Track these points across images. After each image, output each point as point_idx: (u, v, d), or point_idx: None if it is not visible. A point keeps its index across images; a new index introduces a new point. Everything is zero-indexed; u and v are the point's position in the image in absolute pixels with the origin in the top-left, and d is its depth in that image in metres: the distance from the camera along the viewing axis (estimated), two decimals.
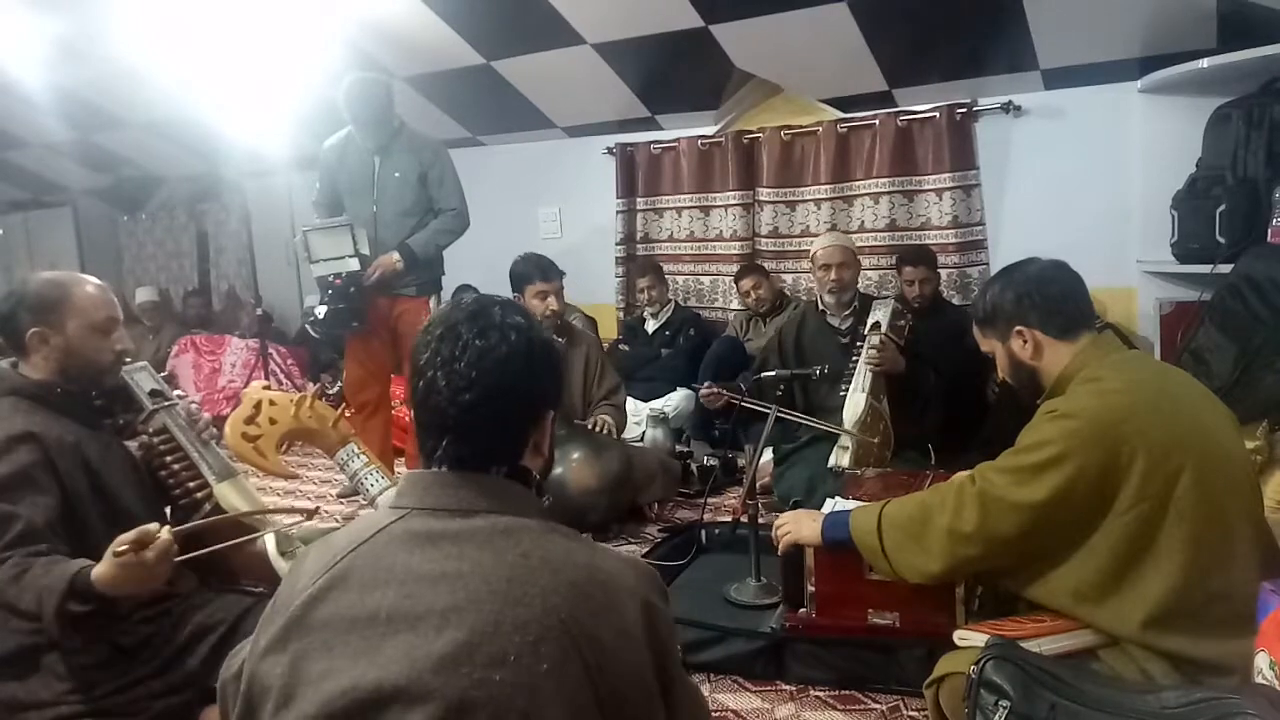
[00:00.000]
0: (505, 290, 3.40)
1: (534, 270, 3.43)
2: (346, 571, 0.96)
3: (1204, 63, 3.31)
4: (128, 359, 1.91)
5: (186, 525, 1.65)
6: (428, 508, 1.00)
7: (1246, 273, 2.83)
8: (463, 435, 1.02)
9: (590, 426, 3.41)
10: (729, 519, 3.12)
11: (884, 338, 3.17)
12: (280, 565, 1.80)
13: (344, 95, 3.60)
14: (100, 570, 1.48)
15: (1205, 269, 3.24)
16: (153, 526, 1.50)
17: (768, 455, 3.40)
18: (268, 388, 2.20)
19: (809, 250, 3.71)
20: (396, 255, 3.64)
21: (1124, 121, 3.87)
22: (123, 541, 1.45)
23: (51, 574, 1.52)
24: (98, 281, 1.88)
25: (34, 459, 1.66)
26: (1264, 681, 1.39)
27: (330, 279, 3.62)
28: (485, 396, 1.01)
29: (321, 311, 3.66)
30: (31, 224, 7.29)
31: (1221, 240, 3.21)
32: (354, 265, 3.61)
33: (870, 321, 3.27)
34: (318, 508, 2.44)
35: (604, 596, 0.94)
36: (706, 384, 3.25)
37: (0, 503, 1.60)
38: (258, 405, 2.15)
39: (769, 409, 2.86)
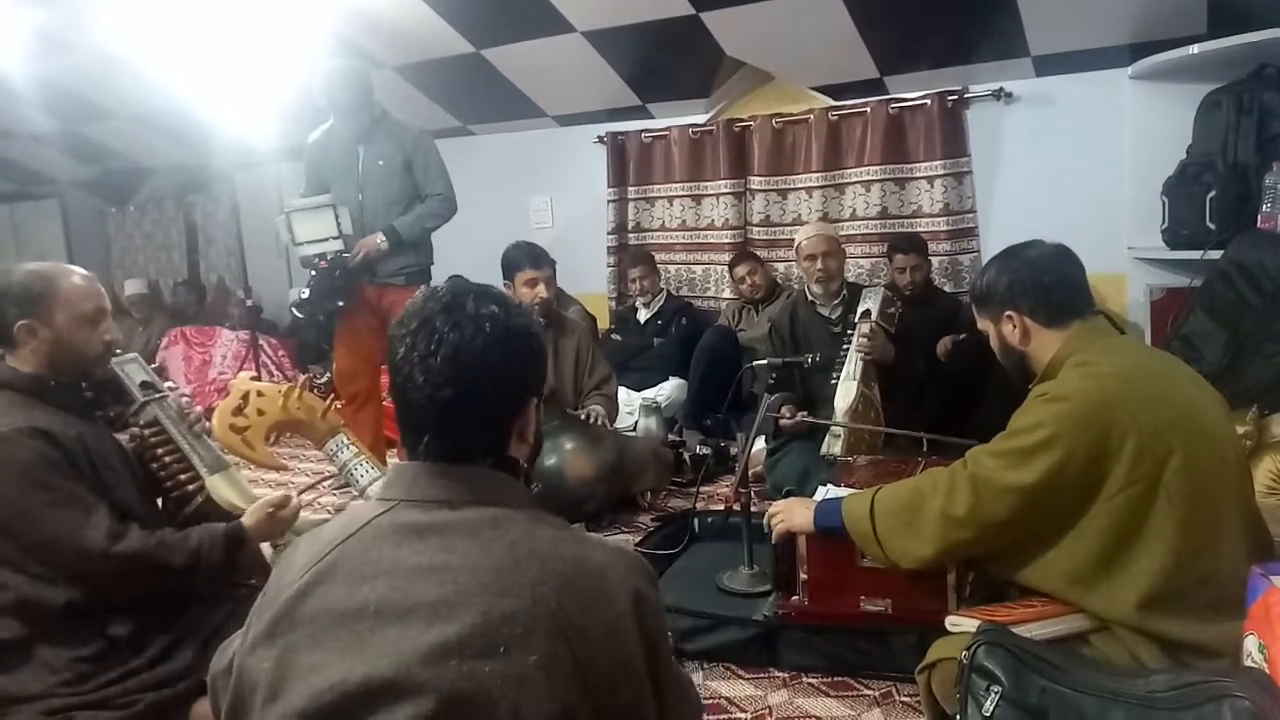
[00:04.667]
0: (496, 280, 3.39)
1: (524, 258, 3.43)
2: (334, 565, 0.95)
3: (1194, 49, 3.30)
4: (116, 350, 1.90)
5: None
6: (415, 500, 0.99)
7: (1236, 259, 2.84)
8: (444, 431, 1.01)
9: (582, 418, 3.41)
10: (721, 507, 3.13)
11: (874, 325, 3.17)
12: (272, 557, 1.79)
13: (321, 83, 3.58)
14: (249, 521, 1.82)
15: (1195, 255, 3.25)
16: (290, 493, 1.92)
17: (760, 444, 3.40)
18: (255, 378, 2.19)
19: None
20: (381, 236, 3.62)
21: (1115, 108, 3.87)
22: (271, 502, 1.86)
23: (195, 534, 1.75)
24: (85, 272, 1.86)
25: (54, 454, 1.66)
26: (1253, 665, 1.39)
27: (315, 260, 3.61)
28: (464, 393, 1.00)
29: (306, 293, 3.65)
30: (19, 216, 7.24)
31: (1212, 226, 3.21)
32: (338, 246, 3.60)
33: (860, 310, 3.26)
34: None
35: (593, 587, 0.93)
36: (786, 411, 3.14)
37: (66, 482, 1.65)
38: (245, 396, 2.14)
39: (852, 427, 2.94)
